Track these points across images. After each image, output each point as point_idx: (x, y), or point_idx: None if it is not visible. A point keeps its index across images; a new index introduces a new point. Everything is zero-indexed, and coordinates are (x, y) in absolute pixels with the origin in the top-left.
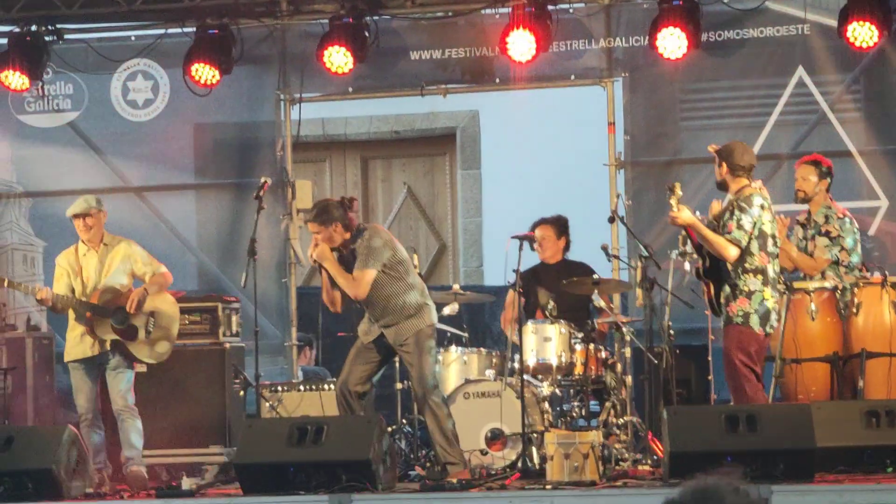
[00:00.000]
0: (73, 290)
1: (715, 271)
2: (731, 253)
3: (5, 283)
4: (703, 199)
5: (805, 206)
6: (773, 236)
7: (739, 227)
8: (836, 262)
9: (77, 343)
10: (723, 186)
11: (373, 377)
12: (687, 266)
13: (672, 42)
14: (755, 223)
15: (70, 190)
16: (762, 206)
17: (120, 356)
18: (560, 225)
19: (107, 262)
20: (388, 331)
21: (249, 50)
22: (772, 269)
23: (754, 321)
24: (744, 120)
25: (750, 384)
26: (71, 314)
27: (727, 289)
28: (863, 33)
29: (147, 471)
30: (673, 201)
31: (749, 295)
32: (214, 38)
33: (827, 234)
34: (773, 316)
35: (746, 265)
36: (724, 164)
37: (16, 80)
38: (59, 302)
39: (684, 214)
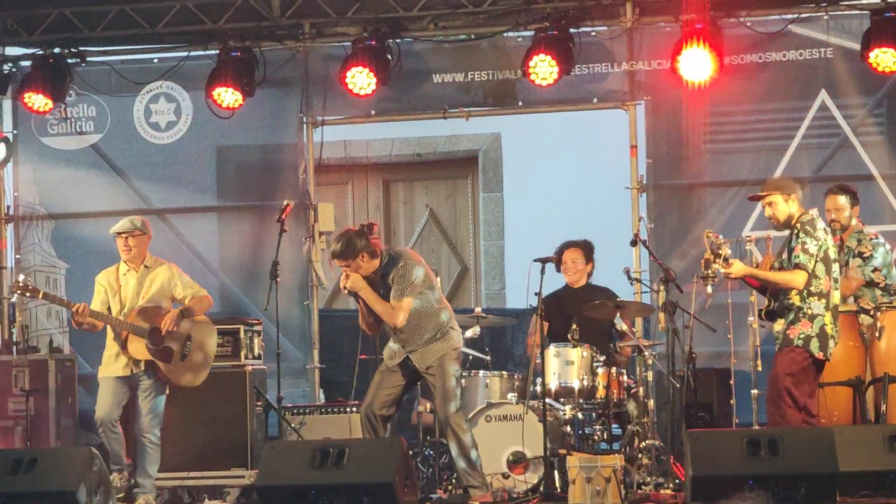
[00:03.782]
0: (109, 309)
1: (778, 313)
2: (799, 280)
3: (40, 295)
4: (725, 222)
5: (837, 235)
6: (836, 261)
7: (805, 250)
8: (871, 283)
9: (111, 362)
10: (786, 223)
11: (398, 401)
12: (709, 289)
13: (695, 66)
14: (821, 246)
15: (93, 212)
16: (825, 231)
17: (153, 379)
18: (588, 249)
19: (146, 283)
20: (415, 355)
21: (272, 73)
22: (833, 296)
23: (814, 345)
24: (766, 143)
25: (793, 413)
26: (109, 332)
27: (790, 314)
28: (885, 57)
29: (170, 493)
30: (720, 263)
31: (812, 318)
32: (237, 61)
33: (860, 254)
34: (832, 343)
35: (812, 288)
36: (794, 196)
37: (39, 101)
38: (95, 318)
39: (737, 268)
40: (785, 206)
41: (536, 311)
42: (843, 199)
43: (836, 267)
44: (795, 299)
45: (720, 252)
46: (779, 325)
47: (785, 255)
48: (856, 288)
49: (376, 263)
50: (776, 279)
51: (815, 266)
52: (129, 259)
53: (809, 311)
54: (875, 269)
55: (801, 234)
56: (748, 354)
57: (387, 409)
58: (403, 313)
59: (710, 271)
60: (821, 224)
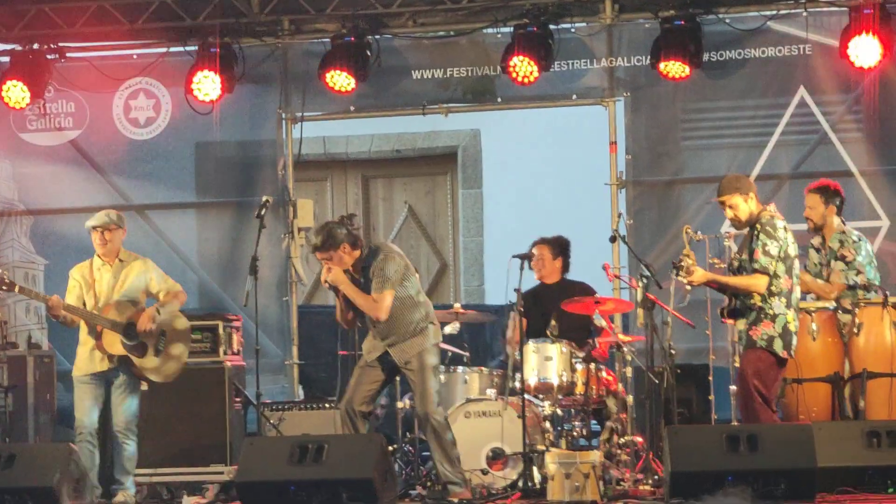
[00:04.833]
0: (84, 304)
1: (740, 311)
2: (761, 284)
3: (16, 289)
4: (704, 218)
5: (800, 227)
6: (797, 258)
7: (766, 252)
8: (854, 287)
9: (87, 357)
10: (748, 222)
11: (377, 397)
12: (688, 286)
13: (675, 66)
14: (781, 246)
15: (71, 208)
16: (785, 229)
17: (127, 374)
18: (558, 245)
19: (121, 277)
20: (393, 349)
21: (251, 69)
22: (795, 292)
23: (778, 345)
24: (745, 140)
25: (764, 411)
26: (83, 328)
27: (752, 314)
28: (864, 53)
29: (148, 489)
30: (682, 274)
31: (773, 318)
32: (216, 57)
33: (843, 258)
34: (794, 339)
35: (773, 288)
36: (751, 194)
37: (17, 97)
38: (70, 312)
39: (697, 276)
40: (745, 205)
41: (514, 307)
42: (814, 198)
43: (796, 263)
44: (756, 299)
45: (681, 264)
46: (742, 325)
47: (745, 255)
48: (837, 293)
49: (357, 254)
50: (737, 284)
51: (775, 266)
52: (104, 253)
53: (771, 311)
54: (858, 272)
55: (762, 236)
56: (727, 351)
57: (366, 405)
58: (385, 306)
59: (678, 277)
60: (780, 223)
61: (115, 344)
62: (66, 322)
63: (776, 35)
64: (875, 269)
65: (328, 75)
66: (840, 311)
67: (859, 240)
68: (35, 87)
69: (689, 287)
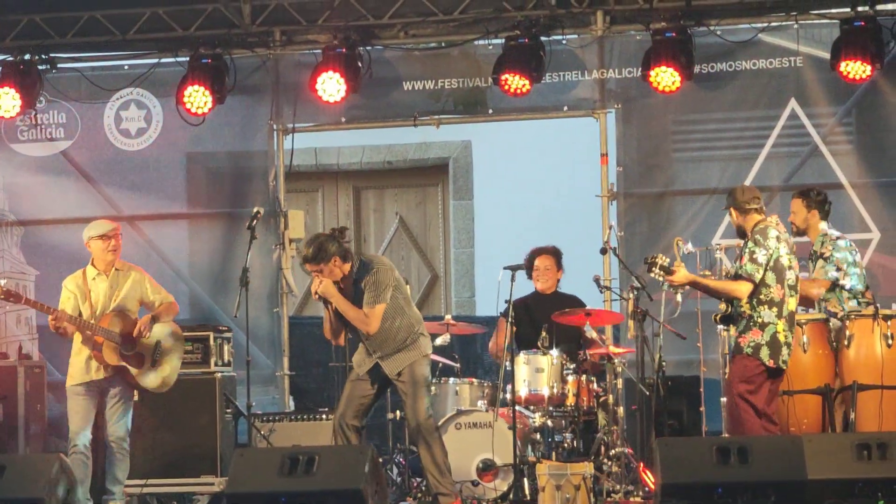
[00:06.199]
0: (79, 314)
1: (734, 318)
2: (742, 290)
3: (22, 301)
4: (695, 229)
5: (804, 239)
6: (791, 269)
7: (752, 260)
8: (837, 286)
9: (82, 367)
10: (741, 232)
11: (369, 410)
12: (679, 298)
13: (665, 77)
14: (771, 255)
15: (62, 219)
16: (778, 238)
17: (122, 385)
18: (558, 256)
19: (117, 287)
20: (385, 361)
21: (242, 80)
22: (788, 303)
23: (764, 353)
24: (736, 152)
25: (750, 418)
26: (77, 337)
27: (742, 322)
28: (855, 66)
29: (139, 500)
30: (657, 271)
31: (762, 327)
32: (208, 68)
33: (822, 255)
34: (786, 350)
35: (762, 297)
36: (733, 209)
37: (8, 107)
38: (71, 322)
39: (679, 276)
40: (735, 218)
41: (503, 314)
42: (797, 202)
43: (790, 274)
44: (746, 308)
45: (655, 260)
46: (734, 331)
47: (738, 263)
48: (823, 288)
49: (347, 268)
50: (717, 287)
51: (764, 275)
52: (113, 259)
53: (760, 320)
54: (838, 269)
55: (751, 244)
56: (718, 362)
57: (358, 419)
58: (377, 320)
59: (653, 274)
60: (773, 232)
61: (114, 355)
62: (67, 333)
63: (767, 47)
64: (860, 277)
65: (319, 80)
66: (831, 320)
67: (838, 239)
68: (26, 97)
69: (672, 290)
